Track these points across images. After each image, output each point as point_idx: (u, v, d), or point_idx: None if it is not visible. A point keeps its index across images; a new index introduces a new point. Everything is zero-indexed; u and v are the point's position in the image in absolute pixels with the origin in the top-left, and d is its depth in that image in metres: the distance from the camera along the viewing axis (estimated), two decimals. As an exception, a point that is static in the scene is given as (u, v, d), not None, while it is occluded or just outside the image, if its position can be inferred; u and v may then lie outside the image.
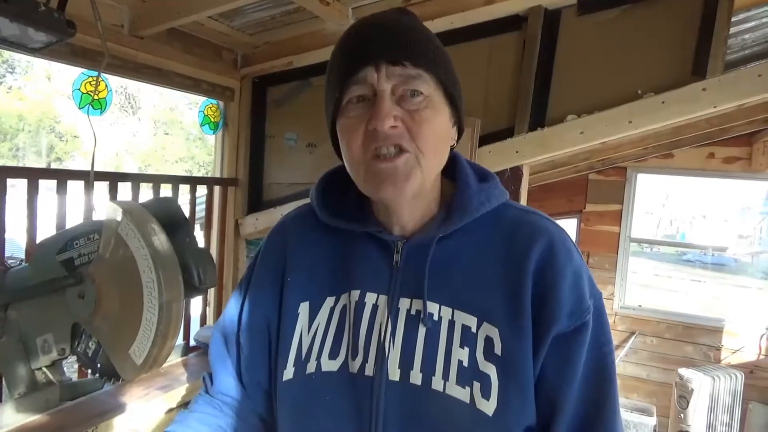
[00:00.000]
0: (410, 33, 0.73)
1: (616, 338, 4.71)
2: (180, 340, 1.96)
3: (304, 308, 0.80)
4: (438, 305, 0.74)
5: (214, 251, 2.84)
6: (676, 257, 14.43)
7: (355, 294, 0.77)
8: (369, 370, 0.73)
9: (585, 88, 2.29)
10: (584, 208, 4.82)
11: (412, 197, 0.75)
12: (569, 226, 4.84)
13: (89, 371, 1.28)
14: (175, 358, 1.61)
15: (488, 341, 0.71)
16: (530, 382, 0.71)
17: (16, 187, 2.12)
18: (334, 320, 0.78)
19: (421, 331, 0.73)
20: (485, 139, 2.37)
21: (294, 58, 2.67)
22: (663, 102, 2.10)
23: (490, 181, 0.82)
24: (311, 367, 0.76)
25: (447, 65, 0.76)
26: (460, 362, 0.71)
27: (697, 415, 3.78)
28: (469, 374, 0.70)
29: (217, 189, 2.87)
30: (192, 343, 2.10)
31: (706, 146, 4.45)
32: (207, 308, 2.81)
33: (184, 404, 1.39)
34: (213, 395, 0.88)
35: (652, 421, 4.26)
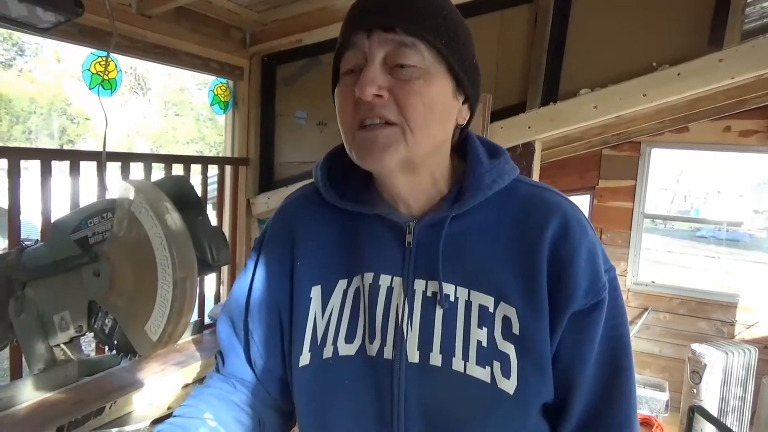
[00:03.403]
0: (411, 1, 0.68)
1: (629, 314, 4.69)
2: (195, 317, 1.99)
3: (316, 292, 0.79)
4: (454, 286, 0.72)
5: (226, 230, 2.86)
6: (690, 233, 14.30)
7: (369, 276, 0.75)
8: (388, 353, 0.72)
9: (598, 61, 2.26)
10: (597, 184, 4.78)
11: (401, 171, 0.72)
12: (582, 202, 4.80)
13: (106, 348, 1.30)
14: (190, 335, 1.63)
15: (506, 321, 0.70)
16: (548, 359, 0.71)
17: (29, 170, 2.14)
18: (348, 303, 0.77)
19: (438, 312, 0.72)
20: (497, 115, 2.35)
21: (303, 36, 2.65)
22: (678, 74, 2.06)
23: (501, 156, 0.78)
24: (328, 352, 0.75)
25: (454, 36, 0.70)
26: (479, 342, 0.70)
27: (710, 390, 3.78)
28: (488, 354, 0.70)
29: (228, 168, 2.88)
30: (206, 320, 2.13)
31: (723, 119, 4.37)
32: (221, 286, 2.84)
33: (199, 380, 1.41)
34: (225, 375, 0.88)
35: (665, 396, 4.28)
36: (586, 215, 0.77)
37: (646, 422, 4.09)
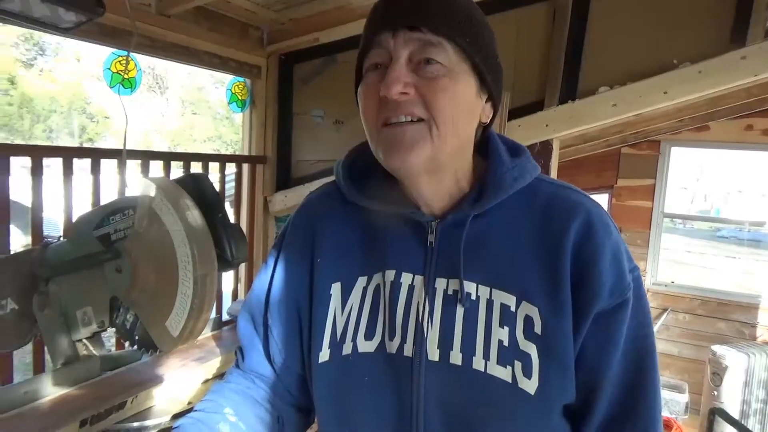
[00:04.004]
0: (436, 1, 0.69)
1: (647, 315, 4.65)
2: (213, 314, 2.01)
3: (336, 289, 0.79)
4: (475, 284, 0.72)
5: (243, 228, 2.88)
6: (711, 233, 14.12)
7: (390, 274, 0.75)
8: (408, 351, 0.71)
9: (618, 59, 2.24)
10: (616, 183, 4.74)
11: (426, 172, 0.71)
12: (600, 201, 4.75)
13: (127, 343, 1.32)
14: (208, 332, 1.65)
15: (528, 320, 0.69)
16: (570, 360, 0.69)
17: (51, 168, 2.17)
18: (368, 300, 0.77)
19: (459, 311, 0.71)
20: (514, 113, 2.34)
21: (320, 35, 2.66)
22: (700, 72, 2.03)
23: (522, 155, 0.78)
24: (347, 349, 0.75)
25: (477, 35, 0.70)
26: (500, 342, 0.69)
27: (731, 392, 3.72)
28: (509, 354, 0.69)
29: (245, 167, 2.90)
30: (225, 317, 2.15)
31: (744, 118, 4.30)
32: (238, 284, 2.86)
33: (219, 375, 1.42)
34: (245, 371, 0.88)
35: (684, 398, 4.22)
36: (605, 214, 0.76)
37: (666, 424, 4.03)
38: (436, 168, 0.72)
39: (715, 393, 3.75)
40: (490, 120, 0.79)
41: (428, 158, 0.69)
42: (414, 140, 0.68)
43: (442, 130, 0.68)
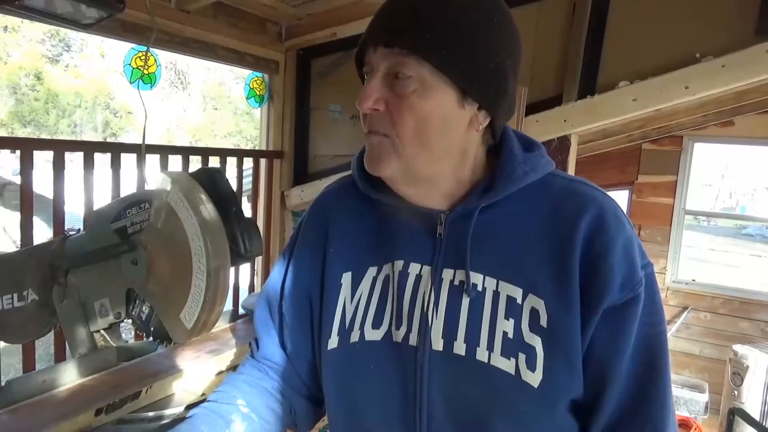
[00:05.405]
0: (416, 13, 0.68)
1: (667, 313, 4.58)
2: (230, 307, 2.03)
3: (346, 278, 0.81)
4: (482, 276, 0.72)
5: (260, 222, 2.91)
6: (736, 231, 13.86)
7: (399, 264, 0.77)
8: (413, 340, 0.73)
9: (639, 53, 2.20)
10: (636, 179, 4.67)
11: (404, 181, 0.74)
12: (620, 197, 4.70)
13: (144, 335, 1.34)
14: (224, 324, 1.67)
15: (534, 313, 0.70)
16: (577, 354, 0.69)
17: (74, 162, 2.21)
18: (377, 290, 0.78)
19: (465, 301, 0.72)
20: (532, 108, 2.31)
21: (337, 29, 2.67)
22: (723, 65, 1.99)
23: (536, 150, 0.78)
24: (354, 337, 0.77)
25: (461, 46, 0.68)
26: (505, 333, 0.70)
27: (751, 392, 3.66)
28: (514, 346, 0.69)
29: (263, 161, 2.92)
30: (240, 311, 2.17)
31: (771, 113, 4.20)
32: (255, 277, 2.89)
33: (233, 367, 1.44)
34: (259, 360, 0.90)
35: (704, 397, 4.16)
36: (624, 210, 0.75)
37: (685, 424, 3.99)
38: (414, 177, 0.74)
39: (736, 393, 3.70)
40: (496, 121, 0.75)
41: (398, 170, 0.73)
42: (380, 154, 0.72)
43: (408, 146, 0.71)
